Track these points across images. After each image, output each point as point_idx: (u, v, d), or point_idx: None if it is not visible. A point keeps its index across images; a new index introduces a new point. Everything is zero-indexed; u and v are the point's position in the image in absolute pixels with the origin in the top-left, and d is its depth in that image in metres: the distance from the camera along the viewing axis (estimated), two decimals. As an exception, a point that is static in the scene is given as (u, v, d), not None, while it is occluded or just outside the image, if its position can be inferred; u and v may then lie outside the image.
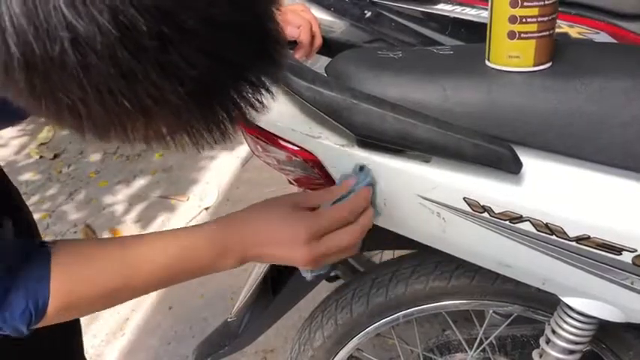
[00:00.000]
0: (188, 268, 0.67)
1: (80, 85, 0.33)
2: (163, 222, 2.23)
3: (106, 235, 2.17)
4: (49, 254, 0.61)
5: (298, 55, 0.82)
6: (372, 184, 0.67)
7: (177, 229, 0.69)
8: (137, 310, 1.82)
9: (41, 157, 2.73)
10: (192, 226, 0.69)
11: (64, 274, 0.61)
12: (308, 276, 0.72)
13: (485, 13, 1.06)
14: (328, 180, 0.71)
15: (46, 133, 2.89)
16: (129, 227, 2.22)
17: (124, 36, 0.32)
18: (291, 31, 0.76)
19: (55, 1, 0.31)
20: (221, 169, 2.53)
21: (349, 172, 0.68)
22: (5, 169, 0.93)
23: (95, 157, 2.70)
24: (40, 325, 0.62)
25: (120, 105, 0.35)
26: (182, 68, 0.34)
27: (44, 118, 0.39)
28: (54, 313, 0.61)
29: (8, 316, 0.59)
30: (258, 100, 0.42)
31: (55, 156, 2.73)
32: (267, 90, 0.42)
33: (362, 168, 0.67)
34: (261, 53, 0.40)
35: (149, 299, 1.85)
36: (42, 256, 0.61)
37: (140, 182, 2.49)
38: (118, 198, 2.40)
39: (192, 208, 2.29)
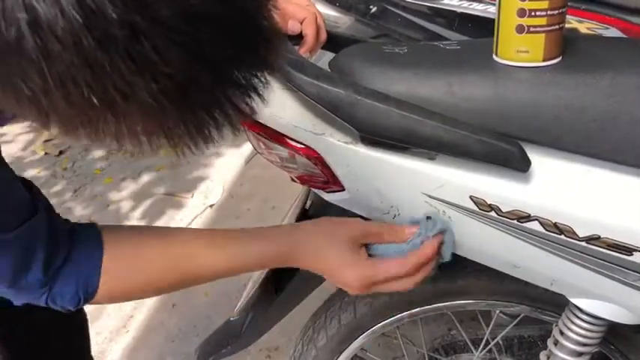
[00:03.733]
0: (238, 273, 0.70)
1: (41, 73, 0.30)
2: (168, 219, 2.22)
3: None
4: (101, 240, 0.63)
5: (303, 50, 0.80)
6: (442, 231, 0.66)
7: (236, 231, 0.70)
8: (141, 307, 1.82)
9: (46, 153, 2.73)
10: (253, 231, 0.70)
11: (116, 266, 0.63)
12: None
13: (492, 8, 1.05)
14: (331, 178, 0.70)
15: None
16: (134, 224, 2.21)
17: (90, 22, 0.29)
18: (293, 25, 0.75)
19: None
20: (226, 166, 2.52)
21: (420, 217, 0.68)
22: (12, 166, 0.92)
23: (100, 153, 2.70)
24: (90, 304, 0.65)
25: (86, 99, 0.32)
26: (155, 63, 0.31)
27: (7, 111, 0.36)
28: (101, 300, 0.64)
29: (58, 298, 0.62)
30: (246, 103, 0.39)
31: (60, 152, 2.73)
32: (257, 93, 0.39)
33: (429, 218, 0.67)
34: (249, 53, 0.37)
35: (153, 297, 1.84)
36: (93, 240, 0.63)
37: (145, 179, 2.49)
38: (123, 195, 2.40)
39: (197, 205, 2.28)
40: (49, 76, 0.31)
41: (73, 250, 0.62)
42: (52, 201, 0.66)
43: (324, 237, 0.68)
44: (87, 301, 0.63)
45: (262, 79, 0.39)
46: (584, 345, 0.76)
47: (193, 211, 2.25)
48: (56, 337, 1.10)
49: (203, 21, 0.32)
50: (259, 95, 0.39)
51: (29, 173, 2.54)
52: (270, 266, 0.72)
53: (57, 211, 0.66)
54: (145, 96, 0.32)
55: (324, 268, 0.68)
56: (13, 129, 2.87)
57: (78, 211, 2.27)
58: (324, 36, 0.80)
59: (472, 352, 1.06)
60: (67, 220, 0.66)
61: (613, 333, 0.81)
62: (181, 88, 0.34)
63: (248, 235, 0.69)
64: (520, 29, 0.59)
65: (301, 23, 0.76)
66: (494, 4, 1.02)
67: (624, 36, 1.02)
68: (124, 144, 0.37)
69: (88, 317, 1.17)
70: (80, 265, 0.61)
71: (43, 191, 0.67)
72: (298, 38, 0.76)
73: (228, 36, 0.34)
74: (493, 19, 0.63)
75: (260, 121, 0.70)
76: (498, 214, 0.63)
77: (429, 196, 0.65)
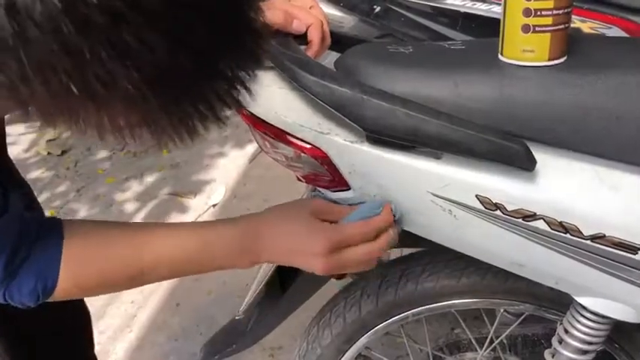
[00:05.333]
0: (202, 264, 0.67)
1: (18, 60, 0.29)
2: (171, 219, 2.22)
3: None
4: (61, 235, 0.62)
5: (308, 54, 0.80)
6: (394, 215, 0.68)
7: (196, 224, 0.70)
8: (144, 306, 1.82)
9: (49, 153, 2.74)
10: (211, 222, 0.70)
11: (75, 258, 0.62)
12: None
13: (496, 8, 1.05)
14: (337, 177, 0.70)
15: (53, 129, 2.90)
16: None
17: (69, 8, 0.28)
18: (298, 26, 0.74)
19: None
20: (228, 166, 2.53)
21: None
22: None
23: (103, 153, 2.70)
24: (49, 300, 0.63)
25: (65, 87, 0.31)
26: (138, 51, 0.30)
27: None
28: (61, 294, 0.62)
29: (16, 292, 0.60)
30: (232, 96, 0.38)
31: (63, 152, 2.74)
32: (244, 86, 0.38)
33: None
34: (236, 44, 0.36)
35: (156, 296, 1.84)
36: (54, 235, 0.62)
37: (148, 179, 2.49)
38: (126, 195, 2.40)
39: (200, 205, 2.29)
40: (27, 63, 0.30)
41: (34, 245, 0.61)
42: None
43: (287, 212, 0.68)
44: (46, 296, 0.61)
45: (249, 71, 0.38)
46: (589, 343, 0.76)
47: (196, 211, 2.25)
48: (59, 336, 1.10)
49: (186, 7, 0.31)
50: (246, 88, 0.38)
51: (33, 174, 2.54)
52: (235, 256, 0.67)
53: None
54: (126, 85, 0.31)
55: (292, 243, 0.66)
56: (16, 129, 2.87)
57: (81, 211, 2.28)
58: (329, 41, 0.79)
59: (476, 351, 1.06)
60: (40, 215, 0.65)
61: (618, 331, 0.81)
62: (164, 78, 0.33)
63: (210, 224, 0.68)
64: (526, 29, 0.60)
65: (307, 29, 0.75)
66: (497, 4, 1.02)
67: (627, 35, 1.02)
68: (105, 135, 0.36)
69: (92, 317, 1.18)
70: (40, 260, 0.60)
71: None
72: (303, 38, 0.76)
73: (212, 24, 0.33)
74: (497, 19, 0.63)
75: (266, 120, 0.70)
76: (504, 213, 0.63)
77: (435, 195, 0.65)
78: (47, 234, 0.61)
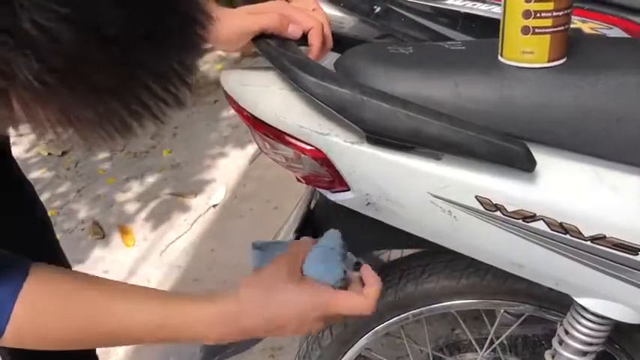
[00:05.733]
0: (176, 339, 0.63)
1: None
2: (171, 219, 2.22)
3: (114, 232, 2.17)
4: (23, 277, 0.57)
5: None
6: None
7: (174, 297, 0.63)
8: (145, 307, 1.82)
9: (49, 154, 2.74)
10: (190, 298, 0.63)
11: (32, 306, 0.56)
12: None
13: (496, 9, 1.05)
14: (337, 178, 0.70)
15: (54, 130, 2.89)
16: (137, 224, 2.22)
17: None
18: (294, 31, 0.73)
19: None
20: (229, 167, 2.53)
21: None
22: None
23: (103, 154, 2.70)
24: None
25: None
26: (38, 39, 0.27)
27: None
28: (10, 340, 0.56)
29: None
30: (170, 92, 0.34)
31: (64, 153, 2.74)
32: (181, 80, 0.34)
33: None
34: (163, 32, 0.31)
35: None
36: (15, 277, 0.57)
37: (148, 179, 2.49)
38: (127, 195, 2.40)
39: (200, 205, 2.29)
40: None
41: None
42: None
43: (266, 280, 0.64)
44: None
45: (187, 62, 0.34)
46: (589, 344, 0.76)
47: (197, 211, 2.26)
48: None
49: None
50: (184, 82, 0.34)
51: (33, 174, 2.55)
52: (209, 338, 0.63)
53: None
54: (27, 76, 0.28)
55: (278, 327, 0.62)
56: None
57: (81, 212, 2.28)
58: (330, 44, 0.78)
59: (476, 352, 1.06)
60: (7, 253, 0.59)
61: (618, 332, 0.81)
62: (77, 70, 0.29)
63: (182, 300, 0.62)
64: (525, 30, 0.60)
65: (308, 32, 0.74)
66: (497, 5, 1.02)
67: (627, 36, 1.02)
68: (20, 129, 0.33)
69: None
70: None
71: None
72: (304, 39, 0.76)
73: (128, 9, 0.29)
74: (497, 19, 0.63)
75: (266, 121, 0.70)
76: (504, 214, 0.63)
77: (435, 196, 0.65)
78: (8, 272, 0.57)
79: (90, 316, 0.59)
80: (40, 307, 0.57)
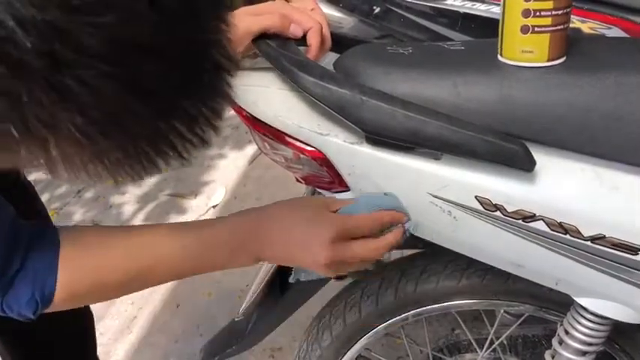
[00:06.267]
0: (203, 263, 0.66)
1: None
2: (171, 220, 2.22)
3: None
4: (57, 242, 0.61)
5: None
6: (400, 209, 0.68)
7: (195, 222, 0.69)
8: (144, 308, 1.82)
9: (49, 154, 2.74)
10: (211, 220, 0.69)
11: (72, 265, 0.60)
12: (301, 276, 0.72)
13: (495, 9, 1.05)
14: (337, 178, 0.70)
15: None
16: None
17: (0, 50, 0.26)
18: (295, 30, 0.73)
19: None
20: (228, 167, 2.53)
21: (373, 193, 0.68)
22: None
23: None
24: (48, 311, 0.62)
25: (4, 130, 0.28)
26: (80, 94, 0.28)
27: None
28: (61, 303, 0.61)
29: (14, 303, 0.59)
30: (197, 134, 0.35)
31: (63, 154, 2.74)
32: (209, 124, 0.35)
33: (386, 194, 0.68)
34: (195, 83, 0.33)
35: (156, 297, 1.84)
36: (50, 242, 0.61)
37: (148, 180, 2.49)
38: (126, 196, 2.40)
39: (200, 206, 2.29)
40: None
41: (29, 254, 0.59)
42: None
43: (292, 203, 0.68)
44: (45, 305, 0.60)
45: (216, 107, 0.35)
46: (589, 344, 0.76)
47: (196, 212, 2.26)
48: (63, 339, 1.10)
49: (138, 51, 0.29)
50: (212, 126, 0.36)
51: (32, 175, 2.54)
52: (236, 252, 0.66)
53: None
54: (70, 128, 0.29)
55: (292, 238, 0.65)
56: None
57: (80, 213, 2.28)
58: (328, 45, 0.78)
59: (476, 352, 1.06)
60: (36, 223, 0.63)
61: (618, 332, 0.81)
62: (115, 121, 0.30)
63: (209, 222, 0.68)
64: (525, 29, 0.59)
65: (306, 32, 0.75)
66: (496, 5, 1.02)
67: (627, 35, 1.02)
68: (58, 172, 0.33)
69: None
70: (36, 269, 0.59)
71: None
72: (303, 39, 0.76)
73: (163, 65, 0.30)
74: (496, 19, 0.63)
75: (265, 121, 0.70)
76: (503, 214, 0.63)
77: (435, 196, 0.65)
78: (42, 241, 0.60)
79: (127, 255, 0.63)
80: (80, 263, 0.61)
